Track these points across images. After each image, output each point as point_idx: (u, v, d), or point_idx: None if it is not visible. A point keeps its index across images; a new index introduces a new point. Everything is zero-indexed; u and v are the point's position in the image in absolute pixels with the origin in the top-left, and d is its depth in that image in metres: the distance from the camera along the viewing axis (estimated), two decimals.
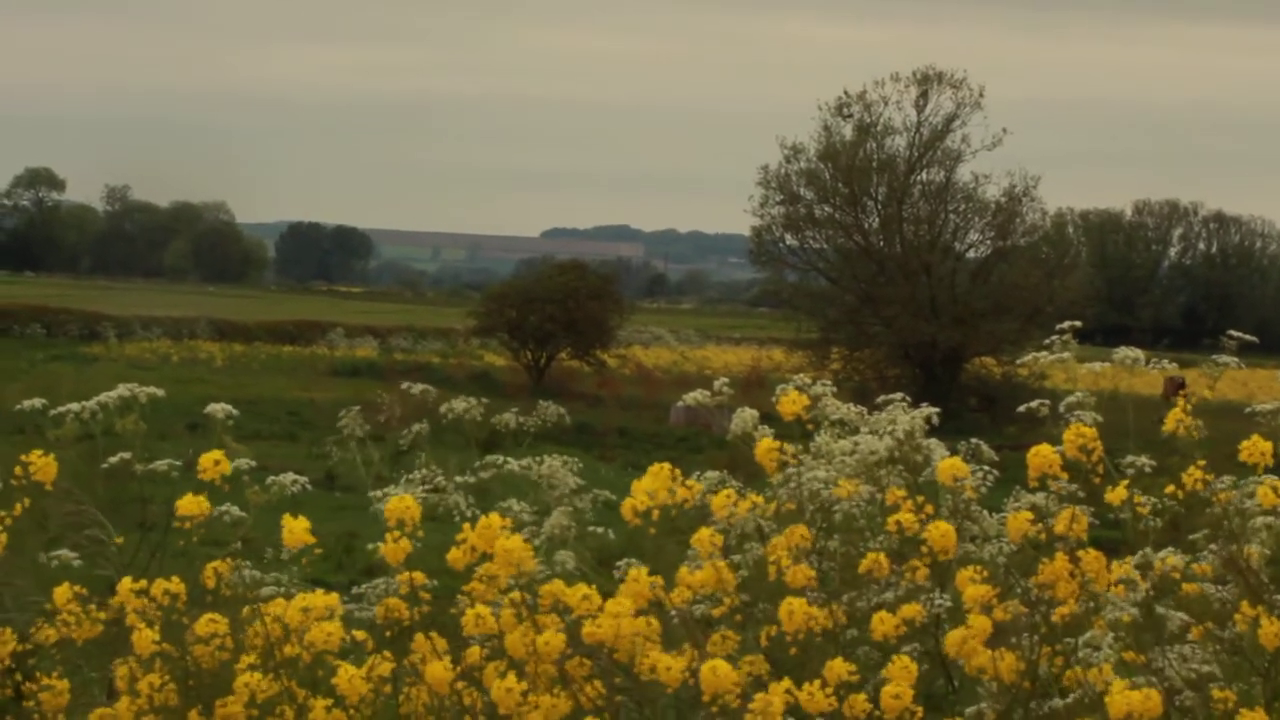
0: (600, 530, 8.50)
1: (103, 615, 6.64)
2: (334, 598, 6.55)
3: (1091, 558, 6.62)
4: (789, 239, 65.94)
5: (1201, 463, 6.47)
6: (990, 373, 62.67)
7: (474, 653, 6.36)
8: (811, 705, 5.94)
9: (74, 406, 7.80)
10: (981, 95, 63.57)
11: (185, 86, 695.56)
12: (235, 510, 7.17)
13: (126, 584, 6.58)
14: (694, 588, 6.70)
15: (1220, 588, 7.12)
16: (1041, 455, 6.53)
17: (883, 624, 6.41)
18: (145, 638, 6.41)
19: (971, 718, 6.72)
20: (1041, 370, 54.20)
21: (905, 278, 62.61)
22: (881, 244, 64.58)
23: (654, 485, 6.68)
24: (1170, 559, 6.96)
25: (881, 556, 6.96)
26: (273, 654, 6.41)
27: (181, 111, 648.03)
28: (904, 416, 7.94)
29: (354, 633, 6.67)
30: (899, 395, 8.30)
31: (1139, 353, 7.47)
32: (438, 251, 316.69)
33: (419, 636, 6.44)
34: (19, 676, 6.69)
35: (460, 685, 6.27)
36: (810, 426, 7.46)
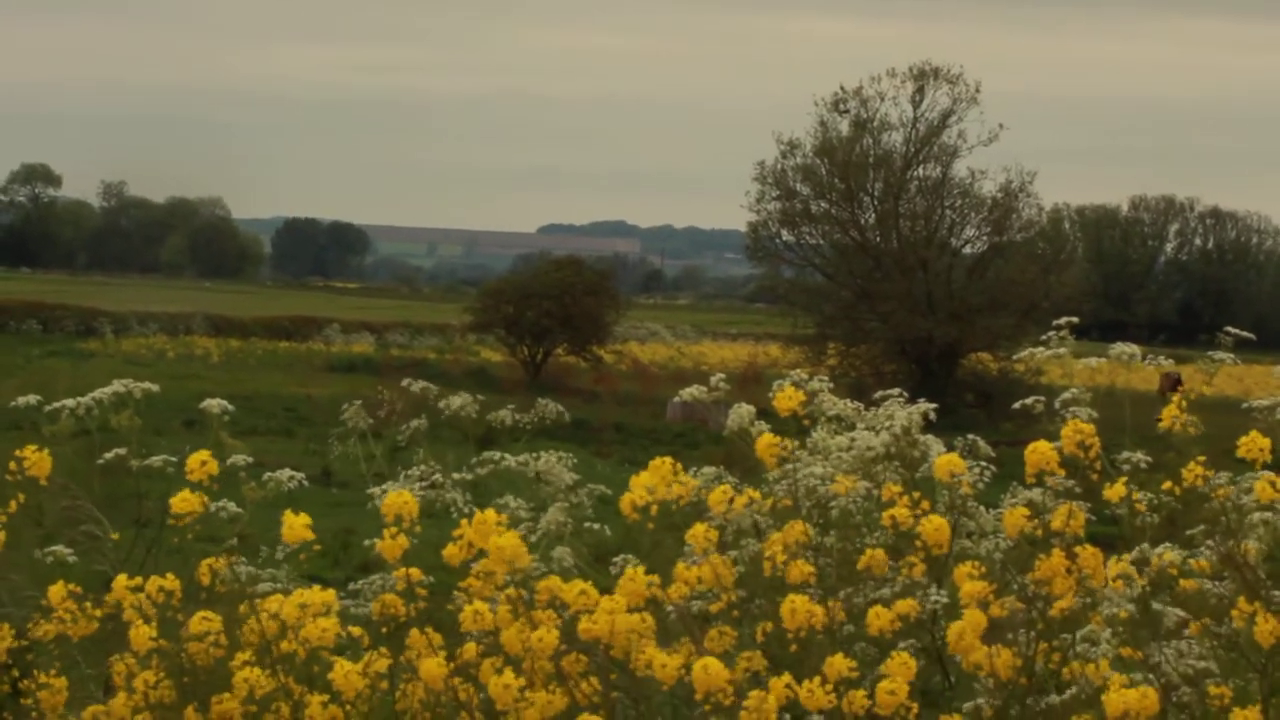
0: (596, 526, 8.49)
1: (99, 612, 6.64)
2: (330, 594, 6.55)
3: (1089, 554, 6.62)
4: (785, 234, 65.96)
5: (1202, 459, 6.47)
6: (986, 368, 62.69)
7: (470, 649, 6.36)
8: (811, 702, 5.94)
9: (69, 402, 7.80)
10: (978, 91, 63.63)
11: (184, 84, 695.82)
12: (231, 506, 7.17)
13: (122, 581, 6.58)
14: (691, 583, 6.70)
15: (1217, 584, 7.11)
16: (1039, 452, 6.53)
17: (878, 619, 6.40)
18: (142, 634, 6.41)
19: (969, 714, 6.71)
20: (1038, 366, 54.34)
21: (901, 273, 62.61)
22: (878, 239, 64.58)
23: (655, 479, 6.68)
24: (1167, 555, 6.96)
25: (880, 553, 6.95)
26: (269, 650, 6.41)
27: (179, 108, 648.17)
28: (901, 412, 7.93)
29: (350, 629, 6.67)
30: (896, 391, 8.29)
31: (1135, 348, 7.46)
32: (434, 247, 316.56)
33: (414, 632, 6.44)
34: (16, 673, 6.69)
35: (456, 681, 6.27)
36: (807, 422, 7.46)
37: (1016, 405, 8.00)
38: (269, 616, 6.44)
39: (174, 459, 7.79)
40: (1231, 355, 7.46)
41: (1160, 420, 6.68)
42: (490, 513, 6.51)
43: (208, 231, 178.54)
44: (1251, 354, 8.33)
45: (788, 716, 6.15)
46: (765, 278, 71.72)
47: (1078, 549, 6.62)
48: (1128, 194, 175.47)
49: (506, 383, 58.53)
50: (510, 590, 6.34)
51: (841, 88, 64.04)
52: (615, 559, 7.71)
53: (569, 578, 6.57)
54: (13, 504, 6.70)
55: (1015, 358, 56.15)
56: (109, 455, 7.79)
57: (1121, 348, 7.43)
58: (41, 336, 75.24)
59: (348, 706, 6.24)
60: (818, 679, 5.95)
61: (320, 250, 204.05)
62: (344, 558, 22.94)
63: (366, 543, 7.57)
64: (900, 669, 6.07)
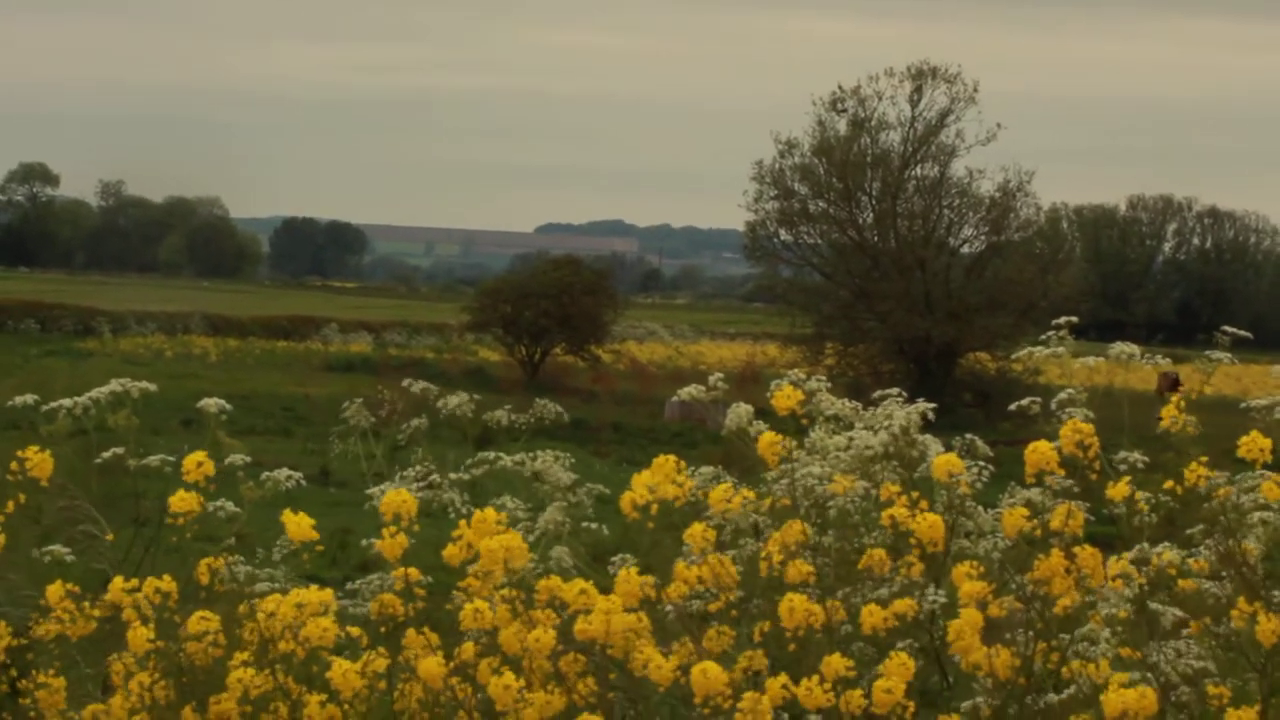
0: (594, 526, 8.49)
1: (97, 611, 6.63)
2: (328, 593, 6.55)
3: (1087, 554, 6.62)
4: (783, 234, 65.96)
5: (1204, 459, 6.47)
6: (985, 368, 62.69)
7: (468, 649, 6.36)
8: (810, 701, 5.94)
9: (66, 402, 7.79)
10: (976, 90, 63.62)
11: (182, 83, 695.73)
12: (229, 506, 7.16)
13: (118, 583, 6.57)
14: (691, 583, 6.69)
15: (1215, 583, 7.11)
16: (1039, 452, 6.52)
17: (871, 616, 6.40)
18: (140, 636, 6.41)
19: (967, 713, 6.71)
20: (1036, 365, 54.34)
21: (899, 273, 62.61)
22: (876, 239, 64.57)
23: (658, 477, 6.68)
24: (1166, 554, 6.96)
25: (880, 552, 6.95)
26: (267, 650, 6.41)
27: (178, 108, 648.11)
28: (899, 412, 7.92)
29: (348, 629, 6.67)
30: (894, 390, 8.28)
31: (1134, 348, 7.46)
32: (432, 247, 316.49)
33: (411, 632, 6.44)
34: (15, 672, 6.69)
35: (454, 681, 6.27)
36: (805, 422, 7.45)
37: (1013, 407, 7.99)
38: (267, 616, 6.43)
39: (171, 458, 7.79)
40: (1229, 355, 7.46)
41: (1160, 420, 6.68)
42: (490, 512, 6.50)
43: (206, 231, 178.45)
44: (1249, 353, 8.33)
45: (786, 716, 6.15)
46: (763, 277, 71.70)
47: (1076, 549, 6.62)
48: (1126, 194, 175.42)
49: (504, 382, 58.53)
50: (506, 590, 6.34)
51: (839, 87, 64.11)
52: (613, 559, 7.71)
53: (568, 577, 6.57)
54: (11, 504, 6.70)
55: (1013, 357, 56.21)
56: (106, 455, 7.79)
57: (1120, 347, 7.43)
58: (39, 336, 75.22)
59: (346, 706, 6.23)
60: (816, 677, 5.95)
61: (318, 250, 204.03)
62: (342, 557, 22.92)
63: (364, 542, 7.56)
64: (898, 669, 6.07)
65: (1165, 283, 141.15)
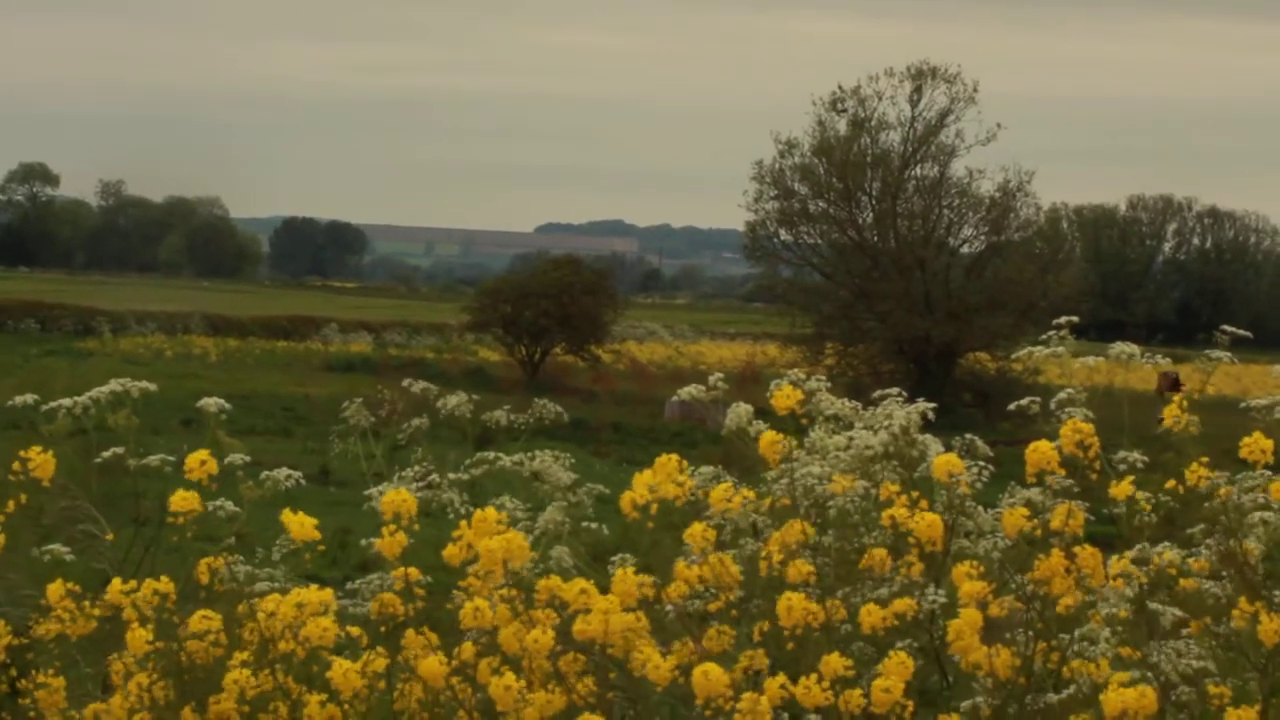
0: (594, 526, 8.49)
1: (98, 611, 6.64)
2: (328, 593, 6.55)
3: (1088, 554, 6.62)
4: (783, 234, 65.97)
5: (1205, 459, 6.48)
6: (984, 368, 62.70)
7: (468, 648, 6.36)
8: (808, 700, 5.94)
9: (66, 402, 7.79)
10: (975, 90, 63.63)
11: (182, 83, 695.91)
12: (229, 505, 7.16)
13: (116, 585, 6.57)
14: (691, 582, 6.70)
15: (1215, 583, 7.11)
16: (1040, 451, 6.52)
17: (870, 616, 6.40)
18: (138, 637, 6.41)
19: (966, 713, 6.71)
20: (1035, 365, 54.34)
21: (899, 273, 62.62)
22: (876, 239, 64.57)
23: (661, 476, 6.69)
24: (1167, 554, 6.96)
25: (881, 552, 6.96)
26: (267, 650, 6.41)
27: (178, 108, 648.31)
28: (899, 411, 7.92)
29: (348, 628, 6.67)
30: (894, 390, 8.28)
31: (1134, 348, 7.46)
32: (432, 247, 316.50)
33: (411, 632, 6.44)
34: (14, 672, 6.69)
35: (455, 681, 6.27)
36: (804, 422, 7.45)
37: (1012, 406, 8.00)
38: (267, 616, 6.43)
39: (171, 458, 7.79)
40: (1228, 354, 7.46)
41: (1162, 420, 6.69)
42: (491, 511, 6.51)
43: (206, 231, 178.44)
44: (1249, 353, 8.33)
45: (785, 716, 6.15)
46: (763, 277, 71.71)
47: (1077, 549, 6.62)
48: (1126, 194, 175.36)
49: (504, 382, 58.52)
50: (505, 590, 6.34)
51: (839, 87, 64.13)
52: (613, 558, 7.71)
53: (568, 577, 6.57)
54: (11, 504, 6.70)
55: (1013, 357, 56.20)
56: (106, 454, 7.79)
57: (1120, 347, 7.43)
58: (39, 336, 75.23)
59: (345, 706, 6.23)
60: (814, 676, 5.95)
61: (318, 250, 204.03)
62: (341, 557, 22.92)
63: (364, 542, 7.56)
64: (897, 668, 6.07)
65: (1165, 283, 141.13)
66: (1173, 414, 6.61)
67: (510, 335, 67.66)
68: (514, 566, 6.35)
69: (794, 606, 6.29)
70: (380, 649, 6.39)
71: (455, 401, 8.97)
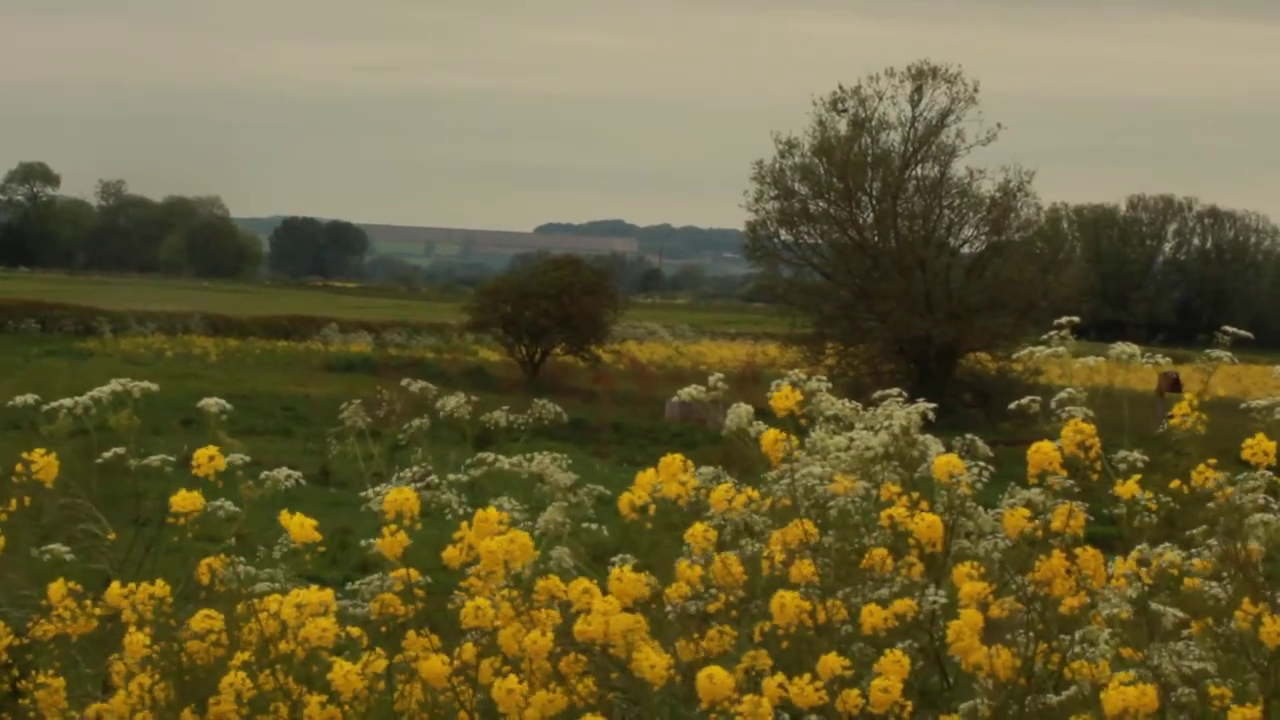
0: (594, 526, 8.49)
1: (99, 610, 6.64)
2: (328, 594, 6.54)
3: (1089, 555, 6.62)
4: (783, 234, 65.93)
5: (1213, 460, 6.48)
6: (985, 368, 62.67)
7: (470, 649, 6.36)
8: (802, 700, 5.93)
9: (67, 402, 7.79)
10: (976, 90, 63.61)
11: (182, 83, 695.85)
12: (229, 506, 7.16)
13: (116, 588, 6.57)
14: (693, 583, 6.69)
15: (1216, 584, 7.11)
16: (1042, 452, 6.52)
17: (871, 616, 6.40)
18: (136, 641, 6.40)
19: (966, 714, 6.71)
20: (1036, 366, 54.32)
21: (900, 273, 62.59)
22: (876, 239, 64.55)
23: (666, 475, 6.69)
24: (1168, 555, 6.96)
25: (882, 552, 6.96)
26: (267, 650, 6.40)
27: (178, 108, 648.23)
28: (899, 412, 7.92)
29: (349, 629, 6.67)
30: (894, 390, 8.28)
31: (1134, 348, 7.46)
32: (432, 247, 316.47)
33: (411, 634, 6.44)
34: (15, 672, 6.69)
35: (456, 681, 6.27)
36: (805, 422, 7.45)
37: (1012, 406, 8.00)
38: (267, 616, 6.43)
39: (172, 458, 7.79)
40: (1229, 354, 7.46)
41: (1169, 419, 6.69)
42: (492, 512, 6.50)
43: (206, 231, 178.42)
44: (1250, 353, 8.33)
45: (786, 716, 6.15)
46: (763, 277, 71.66)
47: (1078, 550, 6.62)
48: (1126, 194, 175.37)
49: (504, 382, 58.50)
50: (506, 591, 6.34)
51: (840, 87, 64.09)
52: (613, 559, 7.71)
53: (568, 578, 6.57)
54: (13, 504, 6.70)
55: (1014, 357, 56.20)
56: (107, 455, 7.79)
57: (1121, 347, 7.43)
58: (40, 336, 75.19)
59: (346, 707, 6.23)
60: (807, 676, 5.95)
61: (318, 250, 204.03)
62: (341, 557, 22.93)
63: (364, 543, 7.56)
64: (893, 667, 6.07)
65: (1165, 283, 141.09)
66: (1183, 411, 6.61)
67: (510, 335, 67.63)
68: (517, 567, 6.35)
69: (787, 605, 6.29)
70: (380, 649, 6.39)
71: (454, 402, 8.96)
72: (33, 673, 6.58)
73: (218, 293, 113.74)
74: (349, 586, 8.13)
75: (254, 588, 7.11)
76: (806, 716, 6.08)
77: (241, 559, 7.00)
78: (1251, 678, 6.45)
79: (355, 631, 6.69)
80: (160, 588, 6.52)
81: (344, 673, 6.20)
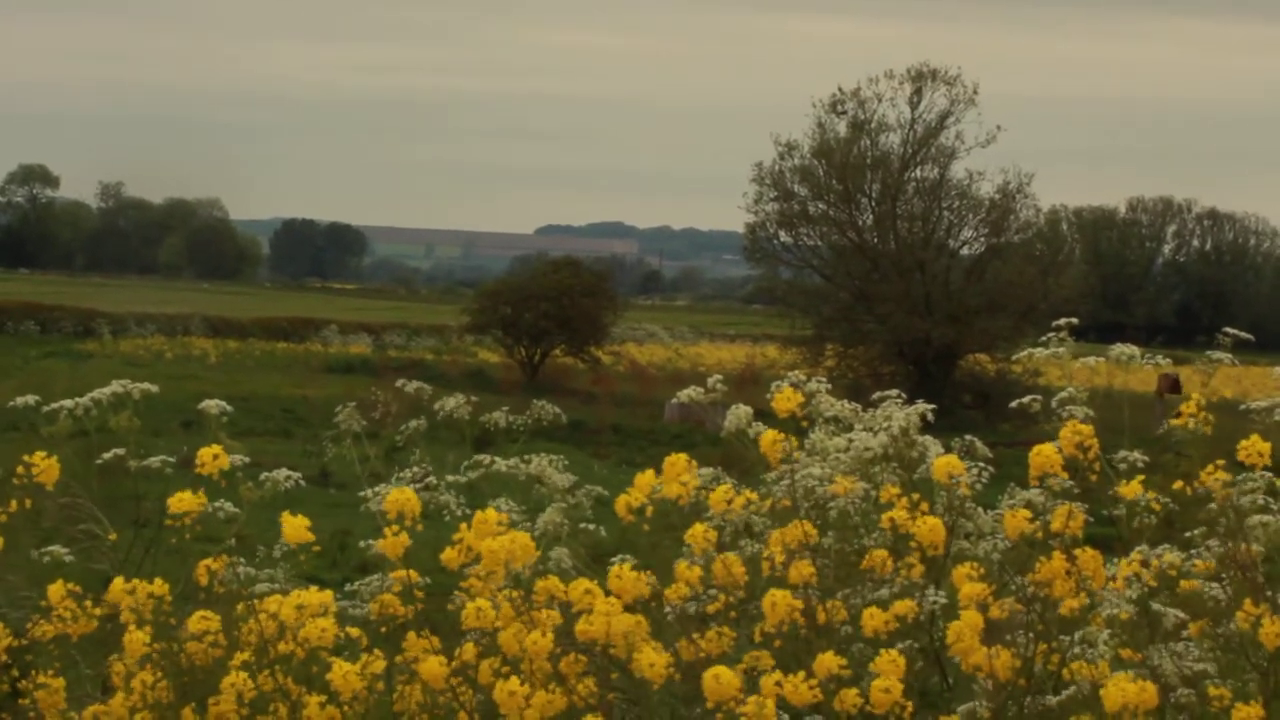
0: (593, 527, 8.49)
1: (99, 611, 6.64)
2: (328, 595, 6.55)
3: (1089, 556, 6.62)
4: (783, 236, 65.90)
5: (1221, 461, 6.48)
6: (984, 370, 62.67)
7: (470, 649, 6.36)
8: (796, 697, 5.93)
9: (67, 403, 7.80)
10: (975, 92, 63.59)
11: (183, 83, 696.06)
12: (229, 507, 7.16)
13: (119, 584, 6.58)
14: (692, 583, 6.69)
15: (1215, 585, 7.11)
16: (1044, 455, 6.52)
17: (873, 619, 6.40)
18: (136, 640, 6.41)
19: (965, 715, 6.71)
20: (1035, 367, 54.33)
21: (899, 275, 62.59)
22: (875, 241, 64.54)
23: (669, 476, 6.69)
24: (1167, 556, 6.96)
25: (882, 553, 6.96)
26: (267, 651, 6.41)
27: (178, 108, 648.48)
28: (899, 413, 7.93)
29: (348, 630, 6.67)
30: (894, 392, 8.29)
31: (1134, 350, 7.47)
32: (432, 249, 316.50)
33: (411, 635, 6.44)
34: (15, 673, 6.69)
35: (455, 682, 6.27)
36: (804, 424, 7.45)
37: (1013, 404, 8.00)
38: (267, 617, 6.44)
39: (172, 460, 7.80)
40: (1229, 356, 7.46)
41: (1173, 419, 6.69)
42: (491, 513, 6.51)
43: (206, 233, 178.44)
44: (1250, 355, 8.33)
45: (786, 716, 6.15)
46: (763, 279, 71.63)
47: (1078, 551, 6.62)
48: (1126, 195, 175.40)
49: (504, 384, 58.51)
50: (507, 591, 6.34)
51: (839, 89, 64.08)
52: (612, 559, 7.71)
53: (567, 579, 6.57)
54: (14, 504, 6.70)
55: (1013, 359, 56.24)
56: (107, 456, 7.79)
57: (1120, 349, 7.44)
58: (39, 337, 75.18)
59: (345, 707, 6.23)
60: (802, 674, 5.94)
61: (318, 251, 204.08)
62: (341, 559, 22.93)
63: (363, 544, 7.56)
64: (889, 666, 6.07)
65: (1165, 285, 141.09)
66: (1189, 412, 6.62)
67: (510, 337, 67.62)
68: (517, 567, 6.35)
69: (778, 604, 6.29)
70: (379, 650, 6.39)
71: (453, 403, 8.96)
72: (33, 673, 6.58)
73: (217, 294, 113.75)
74: (348, 587, 8.13)
75: (254, 589, 7.12)
76: (807, 717, 6.09)
77: (241, 560, 7.00)
78: (1251, 678, 6.45)
79: (355, 632, 6.69)
80: (160, 586, 6.52)
81: (343, 673, 6.20)
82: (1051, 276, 64.34)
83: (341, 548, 23.11)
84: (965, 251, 65.93)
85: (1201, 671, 6.79)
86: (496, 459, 8.78)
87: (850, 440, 7.90)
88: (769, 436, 7.03)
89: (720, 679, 5.88)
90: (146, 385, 7.85)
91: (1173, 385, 43.71)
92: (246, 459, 7.26)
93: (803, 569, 6.57)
